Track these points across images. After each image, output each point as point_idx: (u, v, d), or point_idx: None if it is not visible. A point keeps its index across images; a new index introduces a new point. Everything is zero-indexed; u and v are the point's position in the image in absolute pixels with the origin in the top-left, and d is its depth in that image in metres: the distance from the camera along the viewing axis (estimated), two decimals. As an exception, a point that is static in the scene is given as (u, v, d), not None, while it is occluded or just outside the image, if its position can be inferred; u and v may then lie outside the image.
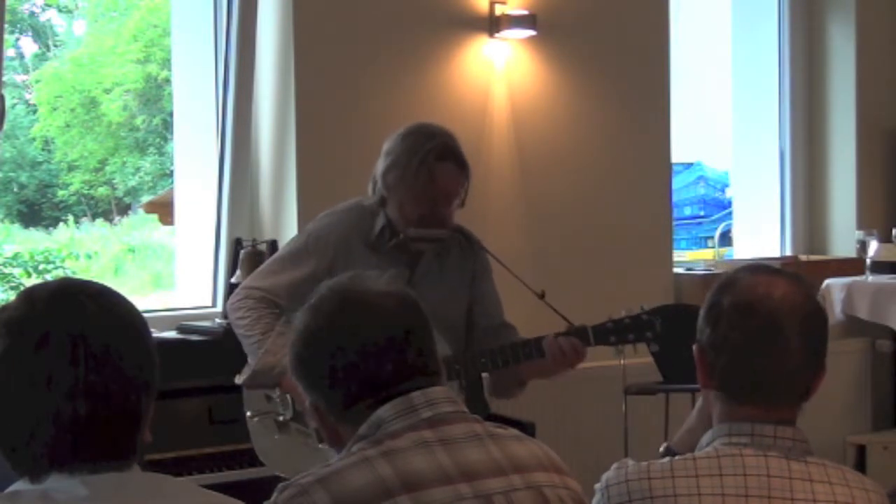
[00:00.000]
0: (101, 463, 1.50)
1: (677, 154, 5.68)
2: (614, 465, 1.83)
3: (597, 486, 1.83)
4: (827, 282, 5.14)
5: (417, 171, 3.04)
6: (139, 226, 12.15)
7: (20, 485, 1.51)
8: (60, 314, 1.51)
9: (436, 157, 3.05)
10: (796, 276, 1.87)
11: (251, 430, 3.20)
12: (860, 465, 5.40)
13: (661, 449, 2.03)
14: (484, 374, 3.30)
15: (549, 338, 3.05)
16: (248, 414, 3.19)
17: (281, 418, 3.15)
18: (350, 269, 3.06)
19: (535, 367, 3.12)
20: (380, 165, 3.14)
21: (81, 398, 1.47)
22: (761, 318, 1.80)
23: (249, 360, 3.15)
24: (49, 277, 7.52)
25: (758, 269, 1.88)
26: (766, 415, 1.80)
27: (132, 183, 12.25)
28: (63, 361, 1.47)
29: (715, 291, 1.86)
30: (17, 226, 11.64)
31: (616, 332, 3.08)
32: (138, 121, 12.08)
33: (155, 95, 11.87)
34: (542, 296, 3.15)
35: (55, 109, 12.09)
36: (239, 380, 3.18)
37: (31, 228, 11.73)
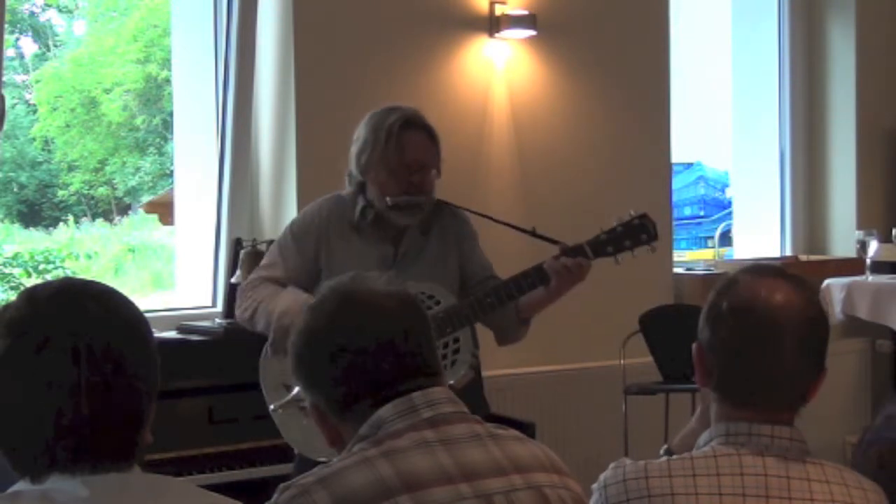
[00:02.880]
0: (102, 464, 1.50)
1: (677, 154, 5.69)
2: (611, 465, 1.83)
3: (594, 486, 1.83)
4: (827, 282, 5.14)
5: (386, 145, 3.11)
6: (139, 226, 12.16)
7: (21, 485, 1.51)
8: (62, 315, 1.51)
9: (401, 127, 3.12)
10: (799, 280, 1.86)
11: (278, 422, 3.18)
12: (860, 465, 5.39)
13: (662, 451, 2.03)
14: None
15: (549, 260, 3.07)
16: (272, 407, 3.17)
17: (304, 404, 3.13)
18: (333, 251, 3.14)
19: (537, 299, 3.15)
20: (351, 153, 3.20)
21: (83, 399, 1.47)
22: (757, 321, 1.79)
23: (266, 330, 3.14)
24: (49, 277, 7.52)
25: (761, 270, 1.88)
26: (761, 417, 1.80)
27: (132, 183, 12.26)
28: (65, 362, 1.47)
29: (716, 291, 1.85)
30: (17, 226, 11.65)
31: (611, 242, 3.11)
32: (138, 121, 12.09)
33: (155, 95, 11.88)
34: (532, 231, 3.20)
35: (55, 109, 12.10)
36: (263, 357, 3.16)
37: (31, 228, 11.74)
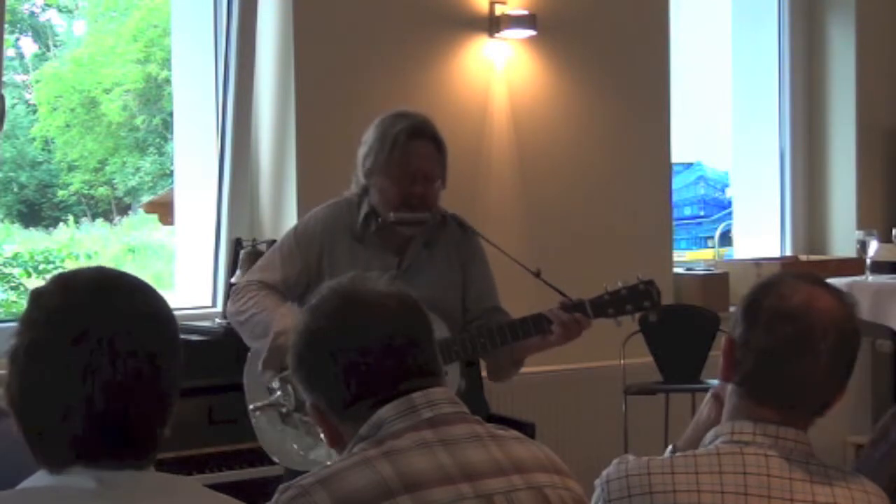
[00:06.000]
0: (123, 459, 1.50)
1: (677, 154, 5.69)
2: (615, 461, 1.83)
3: (597, 481, 1.83)
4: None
5: (391, 152, 3.05)
6: (139, 226, 12.15)
7: (34, 479, 1.51)
8: (99, 309, 1.51)
9: (407, 136, 3.07)
10: (842, 294, 1.86)
11: (255, 424, 3.17)
12: (860, 465, 5.39)
13: (669, 450, 2.03)
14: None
15: (550, 312, 3.03)
16: (251, 408, 3.16)
17: (284, 409, 3.13)
18: (337, 261, 3.10)
19: (533, 344, 3.11)
20: (358, 155, 3.17)
21: (114, 392, 1.47)
22: (798, 327, 1.79)
23: (257, 342, 3.11)
24: (49, 278, 7.50)
25: (804, 277, 1.88)
26: (776, 418, 1.80)
27: (132, 183, 12.26)
28: (100, 356, 1.47)
29: (757, 290, 1.85)
30: (17, 226, 11.64)
31: (613, 304, 3.07)
32: (138, 121, 12.08)
33: (155, 95, 11.87)
34: (537, 274, 3.16)
35: (55, 109, 12.09)
36: (260, 365, 3.14)
37: (31, 228, 11.73)
